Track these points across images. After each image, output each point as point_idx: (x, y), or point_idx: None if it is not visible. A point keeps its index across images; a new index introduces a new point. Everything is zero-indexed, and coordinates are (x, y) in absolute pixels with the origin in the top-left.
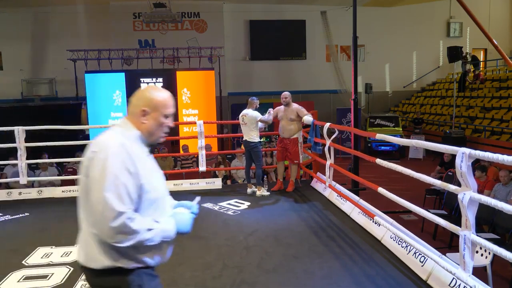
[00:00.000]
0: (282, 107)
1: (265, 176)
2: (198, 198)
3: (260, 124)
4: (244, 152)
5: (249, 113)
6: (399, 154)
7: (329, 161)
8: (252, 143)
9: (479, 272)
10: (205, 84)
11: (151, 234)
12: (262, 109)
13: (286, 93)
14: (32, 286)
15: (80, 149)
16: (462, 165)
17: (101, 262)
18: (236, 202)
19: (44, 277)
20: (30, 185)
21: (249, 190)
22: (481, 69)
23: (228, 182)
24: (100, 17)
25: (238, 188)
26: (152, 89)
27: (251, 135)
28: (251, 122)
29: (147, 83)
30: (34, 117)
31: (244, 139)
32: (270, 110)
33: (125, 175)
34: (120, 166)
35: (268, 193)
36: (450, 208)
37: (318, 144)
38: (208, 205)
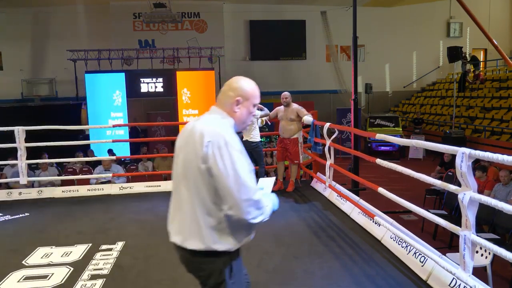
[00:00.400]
0: (282, 107)
1: (265, 176)
2: (273, 179)
3: (265, 118)
4: None
5: None
6: (399, 154)
7: (329, 161)
8: (254, 143)
9: (479, 272)
10: (205, 84)
11: (268, 210)
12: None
13: (286, 93)
14: (32, 286)
15: (80, 149)
16: (462, 165)
17: (200, 245)
18: None
19: (44, 277)
20: (30, 185)
21: None
22: (481, 69)
23: None
24: (100, 17)
25: None
26: (243, 80)
27: (252, 134)
28: (252, 122)
29: (147, 83)
30: (34, 117)
31: (244, 139)
32: (260, 106)
33: (244, 157)
34: (239, 150)
35: None
36: (450, 208)
37: (318, 144)
38: None
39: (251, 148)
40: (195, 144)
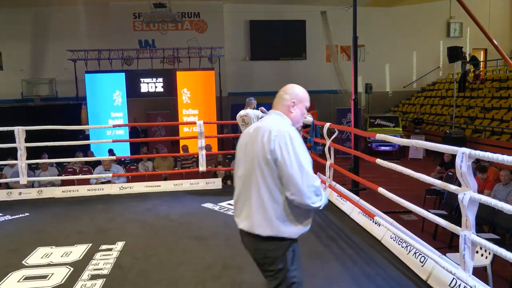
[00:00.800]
0: None
1: None
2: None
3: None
4: None
5: (250, 113)
6: (399, 154)
7: (329, 161)
8: None
9: (479, 272)
10: (205, 84)
11: (324, 199)
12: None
13: None
14: (32, 286)
15: (80, 149)
16: (462, 165)
17: (268, 231)
18: None
19: (44, 277)
20: (30, 185)
21: None
22: (481, 69)
23: (228, 182)
24: (100, 17)
25: None
26: (297, 87)
27: None
28: (252, 122)
29: (147, 83)
30: (34, 117)
31: None
32: (262, 108)
33: (305, 150)
34: (301, 143)
35: None
36: (450, 208)
37: (318, 144)
38: (208, 205)
39: None
40: (263, 139)
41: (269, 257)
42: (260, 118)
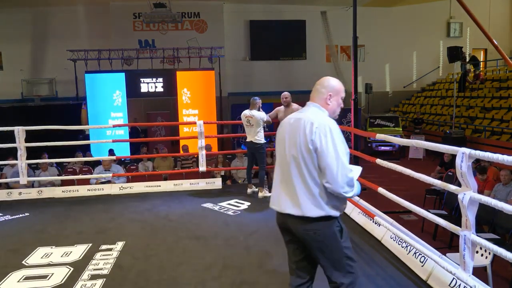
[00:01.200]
0: (282, 107)
1: (265, 176)
2: (360, 168)
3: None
4: (245, 152)
5: (255, 114)
6: (399, 154)
7: None
8: (258, 145)
9: (479, 272)
10: (205, 84)
11: (356, 190)
12: (262, 109)
13: (286, 93)
14: (32, 286)
15: (80, 149)
16: (462, 165)
17: (318, 212)
18: (236, 202)
19: (44, 277)
20: (30, 185)
21: (249, 190)
22: (481, 69)
23: (228, 182)
24: (100, 17)
25: (238, 188)
26: (332, 79)
27: (258, 136)
28: (258, 123)
29: (147, 83)
30: (34, 117)
31: (248, 140)
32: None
33: (343, 141)
34: (341, 136)
35: (270, 194)
36: (450, 208)
37: None
38: (208, 205)
39: (254, 149)
40: (305, 130)
41: (318, 234)
42: (266, 121)
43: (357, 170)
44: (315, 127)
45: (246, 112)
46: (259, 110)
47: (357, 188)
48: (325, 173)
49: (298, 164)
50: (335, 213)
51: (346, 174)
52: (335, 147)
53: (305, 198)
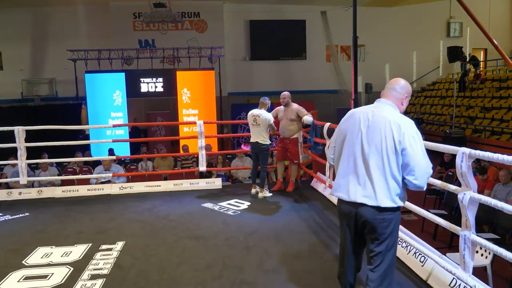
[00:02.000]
0: (282, 107)
1: (266, 178)
2: None
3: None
4: (246, 152)
5: (263, 114)
6: None
7: None
8: (264, 145)
9: (479, 272)
10: (205, 84)
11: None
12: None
13: (285, 93)
14: (32, 286)
15: (80, 149)
16: (462, 165)
17: (390, 202)
18: (236, 202)
19: (44, 277)
20: (30, 185)
21: (253, 191)
22: (481, 69)
23: (233, 181)
24: (100, 17)
25: (238, 188)
26: (406, 82)
27: (264, 137)
28: (264, 124)
29: (147, 83)
30: (34, 117)
31: (254, 140)
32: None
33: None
34: (421, 137)
35: (271, 194)
36: (450, 208)
37: (318, 144)
38: (208, 205)
39: (259, 150)
40: (392, 131)
41: (386, 222)
42: (271, 124)
43: None
44: (403, 130)
45: (254, 111)
46: (267, 110)
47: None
48: (414, 170)
49: (381, 159)
50: (400, 204)
51: (430, 171)
52: (422, 148)
53: (382, 191)
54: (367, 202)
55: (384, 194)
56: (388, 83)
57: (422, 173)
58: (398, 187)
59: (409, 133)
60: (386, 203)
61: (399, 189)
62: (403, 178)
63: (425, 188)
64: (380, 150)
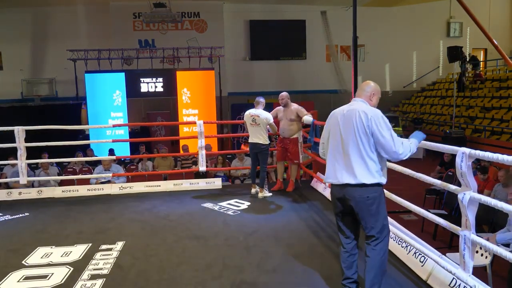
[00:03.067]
0: (281, 107)
1: (266, 179)
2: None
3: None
4: (246, 152)
5: (262, 114)
6: None
7: None
8: (264, 145)
9: (479, 272)
10: (205, 84)
11: (413, 147)
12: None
13: (283, 94)
14: (32, 286)
15: (80, 149)
16: (462, 165)
17: (371, 179)
18: (236, 202)
19: (44, 277)
20: (30, 185)
21: (253, 190)
22: (481, 69)
23: (233, 181)
24: (100, 17)
25: (238, 188)
26: (375, 84)
27: (263, 136)
28: (264, 124)
29: (147, 83)
30: (34, 117)
31: (252, 141)
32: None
33: (388, 123)
34: (386, 119)
35: (270, 194)
36: (450, 208)
37: (318, 144)
38: (208, 205)
39: (259, 150)
40: (361, 118)
41: (371, 198)
42: (271, 123)
43: (415, 136)
44: (369, 116)
45: (251, 111)
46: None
47: (414, 144)
48: (385, 149)
49: (357, 144)
50: (382, 181)
51: (399, 146)
52: (389, 130)
53: (361, 170)
54: (350, 181)
55: (363, 172)
56: (360, 85)
57: (392, 149)
58: (375, 164)
59: (375, 118)
60: (366, 179)
61: (376, 167)
62: (379, 156)
63: (407, 156)
64: (354, 136)
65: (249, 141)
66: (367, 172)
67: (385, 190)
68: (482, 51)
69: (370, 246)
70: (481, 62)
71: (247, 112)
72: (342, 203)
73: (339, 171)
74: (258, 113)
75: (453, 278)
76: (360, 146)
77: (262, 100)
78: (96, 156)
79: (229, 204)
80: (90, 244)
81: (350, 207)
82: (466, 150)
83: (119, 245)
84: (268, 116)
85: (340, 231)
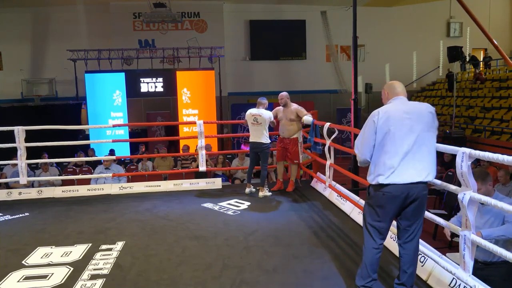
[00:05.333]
0: (281, 107)
1: (266, 179)
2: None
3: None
4: (246, 152)
5: (264, 113)
6: None
7: (329, 161)
8: (265, 145)
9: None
10: (205, 84)
11: None
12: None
13: (282, 94)
14: (32, 286)
15: (81, 149)
16: (462, 165)
17: (433, 176)
18: (236, 202)
19: (44, 277)
20: (30, 185)
21: (247, 190)
22: (481, 68)
23: (232, 181)
24: (100, 17)
25: (238, 188)
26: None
27: (264, 136)
28: (265, 123)
29: (147, 83)
30: (34, 117)
31: (254, 140)
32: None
33: None
34: None
35: (270, 193)
36: (450, 208)
37: (318, 144)
38: (208, 205)
39: (260, 149)
40: (429, 114)
41: (426, 194)
42: (272, 121)
43: None
44: (434, 110)
45: (253, 110)
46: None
47: None
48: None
49: (428, 140)
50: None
51: None
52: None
53: (431, 166)
54: (422, 179)
55: (432, 170)
56: (396, 84)
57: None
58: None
59: (435, 115)
60: (431, 176)
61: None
62: None
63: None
64: (427, 132)
65: (250, 140)
66: (433, 169)
67: None
68: (482, 51)
69: (411, 243)
70: (489, 61)
71: (249, 112)
72: (402, 202)
73: (410, 167)
74: (260, 112)
75: (453, 278)
76: (432, 142)
77: (264, 101)
78: (96, 156)
79: (229, 204)
80: (90, 244)
81: (409, 205)
82: (466, 150)
83: (119, 245)
84: (270, 115)
85: (380, 233)
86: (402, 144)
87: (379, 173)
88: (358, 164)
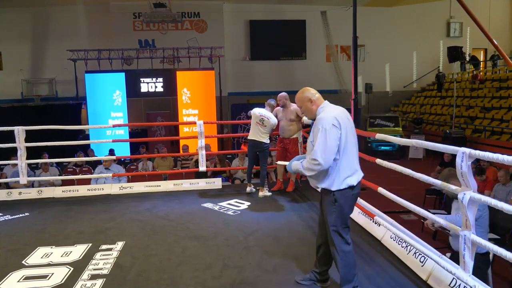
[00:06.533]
0: (280, 108)
1: (266, 178)
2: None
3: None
4: (246, 152)
5: (272, 118)
6: (399, 154)
7: None
8: (265, 145)
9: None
10: (205, 84)
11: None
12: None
13: (281, 95)
14: (32, 286)
15: (81, 149)
16: (463, 165)
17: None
18: (236, 202)
19: (44, 277)
20: (30, 185)
21: (248, 189)
22: (481, 69)
23: (232, 181)
24: (100, 17)
25: (238, 188)
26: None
27: (265, 136)
28: (270, 127)
29: (147, 83)
30: (34, 117)
31: (253, 138)
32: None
33: None
34: None
35: (270, 193)
36: (450, 208)
37: None
38: (208, 205)
39: (260, 149)
40: (350, 119)
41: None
42: (274, 128)
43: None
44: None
45: (262, 111)
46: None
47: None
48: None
49: (356, 146)
50: None
51: None
52: None
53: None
54: (361, 178)
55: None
56: (313, 91)
57: None
58: None
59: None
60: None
61: None
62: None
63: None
64: (354, 136)
65: (248, 137)
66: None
67: (384, 190)
68: (482, 51)
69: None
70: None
71: (257, 111)
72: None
73: (358, 169)
74: (268, 115)
75: (453, 278)
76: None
77: (273, 102)
78: (96, 156)
79: (229, 204)
80: (90, 244)
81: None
82: (467, 150)
83: (119, 245)
84: (275, 122)
85: (349, 230)
86: (353, 145)
87: (347, 175)
88: (310, 174)
